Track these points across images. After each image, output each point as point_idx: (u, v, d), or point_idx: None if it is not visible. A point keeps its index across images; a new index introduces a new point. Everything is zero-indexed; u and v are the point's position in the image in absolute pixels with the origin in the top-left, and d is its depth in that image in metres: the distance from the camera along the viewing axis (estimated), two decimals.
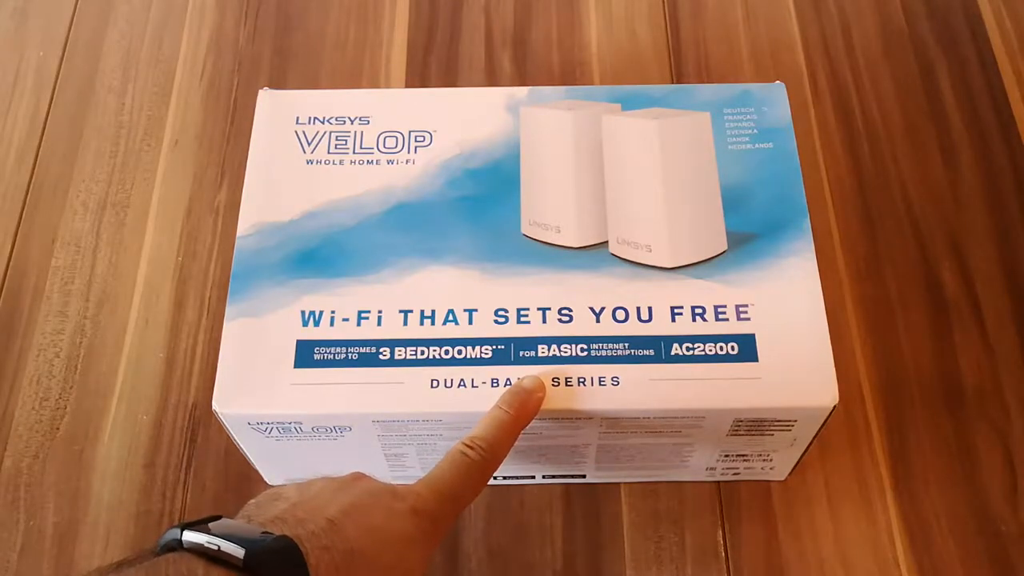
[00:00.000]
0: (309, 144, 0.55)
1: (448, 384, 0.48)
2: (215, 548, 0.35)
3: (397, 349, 0.49)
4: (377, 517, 0.41)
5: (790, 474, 0.58)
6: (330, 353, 0.49)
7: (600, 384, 0.48)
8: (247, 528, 0.37)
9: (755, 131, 0.55)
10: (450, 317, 0.50)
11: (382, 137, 0.56)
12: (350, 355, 0.49)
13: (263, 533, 0.37)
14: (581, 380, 0.48)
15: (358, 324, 0.50)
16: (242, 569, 0.35)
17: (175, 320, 0.64)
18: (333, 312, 0.50)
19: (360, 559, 0.39)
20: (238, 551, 0.35)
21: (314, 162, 0.55)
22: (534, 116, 0.56)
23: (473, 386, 0.48)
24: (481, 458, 0.45)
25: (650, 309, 0.50)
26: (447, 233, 0.53)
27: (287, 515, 0.39)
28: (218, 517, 0.39)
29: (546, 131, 0.56)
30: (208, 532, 0.36)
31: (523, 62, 0.74)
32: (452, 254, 0.52)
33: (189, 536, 0.36)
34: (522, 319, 0.50)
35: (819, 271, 0.51)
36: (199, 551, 0.36)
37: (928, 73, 0.73)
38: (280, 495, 0.42)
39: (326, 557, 0.37)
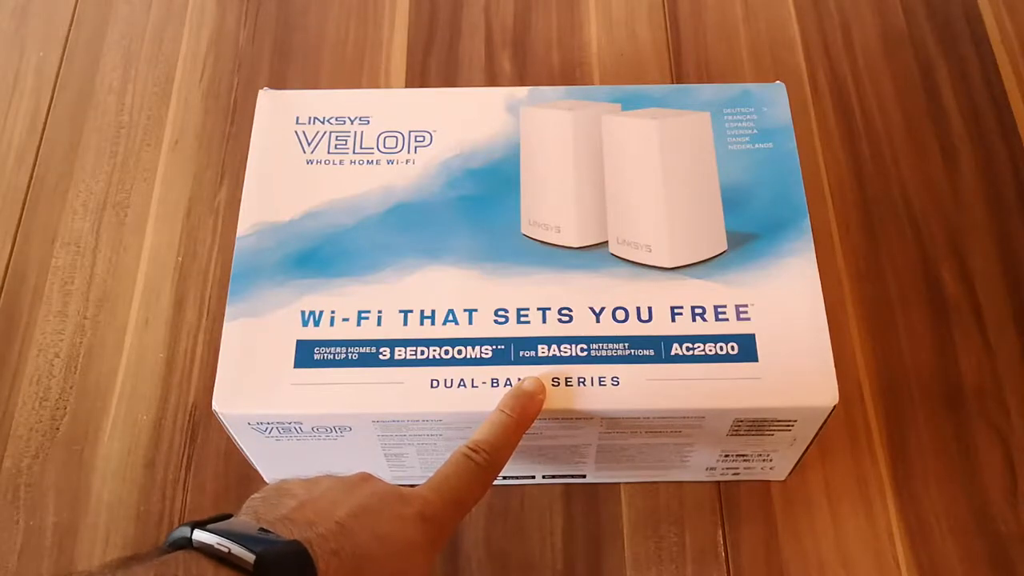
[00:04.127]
0: (309, 144, 0.55)
1: (448, 384, 0.48)
2: (225, 550, 0.35)
3: (397, 349, 0.49)
4: (386, 523, 0.41)
5: (790, 474, 0.58)
6: (330, 353, 0.49)
7: (600, 384, 0.48)
8: (257, 530, 0.37)
9: (755, 131, 0.55)
10: (450, 317, 0.50)
11: (382, 137, 0.56)
12: (350, 355, 0.49)
13: (273, 535, 0.37)
14: (581, 380, 0.48)
15: (358, 324, 0.50)
16: (252, 573, 0.35)
17: (175, 320, 0.64)
18: (333, 312, 0.50)
19: (369, 565, 0.39)
20: (248, 555, 0.35)
21: (314, 162, 0.55)
22: (534, 116, 0.56)
23: (473, 386, 0.48)
24: (485, 462, 0.45)
25: (650, 309, 0.50)
26: (447, 233, 0.53)
27: (296, 515, 0.39)
28: (227, 516, 0.38)
29: (546, 131, 0.56)
30: (218, 533, 0.36)
31: (523, 62, 0.74)
32: (452, 254, 0.52)
33: (199, 536, 0.36)
34: (522, 319, 0.50)
35: (819, 271, 0.51)
36: (209, 552, 0.36)
37: (928, 73, 0.73)
38: (287, 491, 0.42)
39: (335, 562, 0.37)
